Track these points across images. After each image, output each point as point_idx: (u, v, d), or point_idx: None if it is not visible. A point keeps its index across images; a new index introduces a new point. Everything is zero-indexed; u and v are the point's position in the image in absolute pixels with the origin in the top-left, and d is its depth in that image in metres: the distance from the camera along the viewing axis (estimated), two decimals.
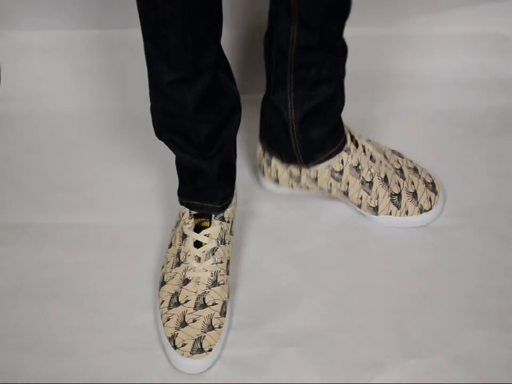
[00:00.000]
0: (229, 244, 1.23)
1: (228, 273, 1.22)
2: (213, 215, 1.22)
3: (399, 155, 1.37)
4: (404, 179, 1.33)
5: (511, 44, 1.63)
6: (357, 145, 1.32)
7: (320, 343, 1.19)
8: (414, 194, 1.32)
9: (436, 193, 1.34)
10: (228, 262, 1.23)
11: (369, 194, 1.30)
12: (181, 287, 1.19)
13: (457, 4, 1.61)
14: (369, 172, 1.30)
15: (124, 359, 1.17)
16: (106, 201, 1.40)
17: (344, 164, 1.29)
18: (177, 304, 1.18)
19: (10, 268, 1.29)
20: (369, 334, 1.20)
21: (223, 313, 1.18)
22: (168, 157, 1.29)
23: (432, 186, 1.35)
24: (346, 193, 1.31)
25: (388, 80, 1.60)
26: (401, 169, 1.34)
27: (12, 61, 1.60)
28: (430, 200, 1.33)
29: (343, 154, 1.29)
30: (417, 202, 1.32)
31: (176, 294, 1.18)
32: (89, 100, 1.58)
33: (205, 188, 1.22)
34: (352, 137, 1.32)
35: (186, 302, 1.18)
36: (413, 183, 1.33)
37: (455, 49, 1.63)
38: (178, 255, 1.21)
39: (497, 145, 1.50)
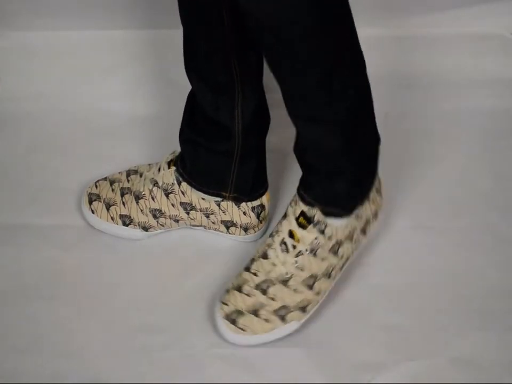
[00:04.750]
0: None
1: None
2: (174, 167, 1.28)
3: None
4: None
5: (511, 43, 1.63)
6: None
7: (320, 343, 1.19)
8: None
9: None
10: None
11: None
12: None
13: (457, 4, 1.61)
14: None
15: (123, 360, 1.17)
16: None
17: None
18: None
19: (10, 268, 1.29)
20: (369, 335, 1.20)
21: None
22: None
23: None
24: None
25: (388, 81, 1.60)
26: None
27: (12, 61, 1.60)
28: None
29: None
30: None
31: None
32: (89, 100, 1.58)
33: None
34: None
35: None
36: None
37: (455, 49, 1.63)
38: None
39: (497, 146, 1.50)
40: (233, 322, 1.16)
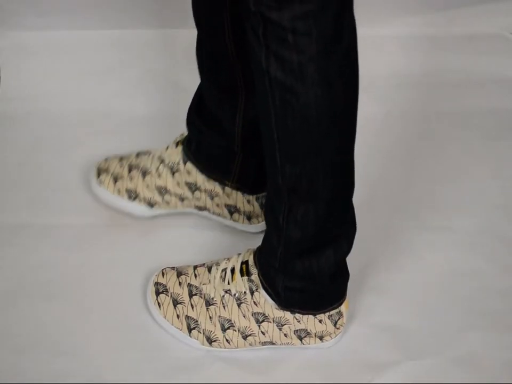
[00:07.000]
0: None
1: None
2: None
3: None
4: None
5: (511, 44, 1.63)
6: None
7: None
8: None
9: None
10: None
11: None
12: None
13: (457, 4, 1.61)
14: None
15: (123, 359, 1.17)
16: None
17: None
18: None
19: (10, 268, 1.29)
20: (369, 335, 1.20)
21: None
22: None
23: None
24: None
25: (388, 80, 1.60)
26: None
27: (12, 61, 1.60)
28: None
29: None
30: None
31: None
32: (90, 100, 1.58)
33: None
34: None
35: None
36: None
37: (455, 49, 1.64)
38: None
39: (497, 146, 1.50)
40: (157, 293, 1.20)
